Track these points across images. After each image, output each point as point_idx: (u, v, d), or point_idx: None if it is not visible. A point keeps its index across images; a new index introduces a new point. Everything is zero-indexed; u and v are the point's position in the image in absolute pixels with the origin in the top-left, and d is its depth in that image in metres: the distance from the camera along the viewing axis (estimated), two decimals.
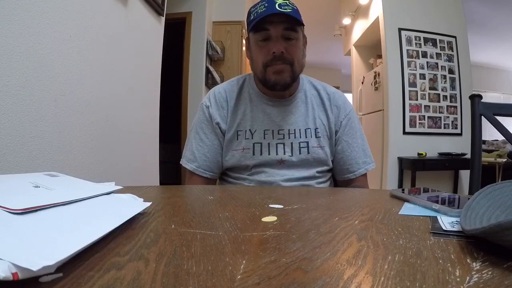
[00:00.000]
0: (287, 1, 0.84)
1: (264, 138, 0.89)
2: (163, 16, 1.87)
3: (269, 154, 0.88)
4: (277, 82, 0.86)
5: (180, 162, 0.95)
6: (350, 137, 0.94)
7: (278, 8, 0.81)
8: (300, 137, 0.90)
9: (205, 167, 0.92)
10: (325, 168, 0.92)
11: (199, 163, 0.91)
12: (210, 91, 0.98)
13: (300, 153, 0.89)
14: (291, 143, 0.89)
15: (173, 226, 0.38)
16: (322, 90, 0.97)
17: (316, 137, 0.91)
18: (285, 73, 0.85)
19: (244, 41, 3.69)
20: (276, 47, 0.83)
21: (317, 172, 0.91)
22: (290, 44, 0.85)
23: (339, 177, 0.96)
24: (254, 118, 0.91)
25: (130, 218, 0.38)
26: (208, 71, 3.30)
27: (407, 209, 0.48)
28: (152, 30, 1.78)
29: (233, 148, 0.90)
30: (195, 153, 0.92)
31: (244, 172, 0.90)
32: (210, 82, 3.31)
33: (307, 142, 0.90)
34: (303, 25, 0.87)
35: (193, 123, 0.97)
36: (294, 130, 0.90)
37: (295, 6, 0.86)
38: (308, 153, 0.89)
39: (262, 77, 0.87)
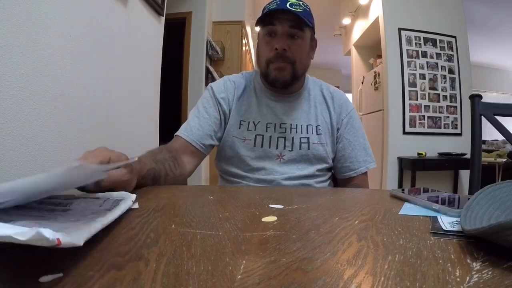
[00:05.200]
0: (300, 1, 0.84)
1: (267, 131, 0.90)
2: (163, 16, 1.86)
3: (269, 147, 0.89)
4: (277, 78, 0.87)
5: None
6: (351, 135, 0.95)
7: (289, 7, 0.82)
8: (302, 133, 0.91)
9: (194, 136, 0.88)
10: (324, 166, 0.93)
11: (192, 131, 0.88)
12: (221, 78, 0.99)
13: (300, 148, 0.90)
14: (292, 138, 0.90)
15: (173, 226, 0.38)
16: (325, 89, 0.99)
17: (317, 134, 0.92)
18: (286, 71, 0.86)
19: (244, 41, 3.69)
20: (279, 44, 0.84)
21: (317, 170, 0.91)
22: (295, 42, 0.86)
23: (340, 175, 0.96)
24: (258, 110, 0.92)
25: (130, 218, 0.39)
26: (208, 71, 3.30)
27: (407, 209, 0.48)
28: (152, 30, 1.78)
29: (234, 134, 0.90)
30: (190, 123, 0.90)
31: (243, 167, 0.90)
32: (210, 82, 3.31)
33: (308, 138, 0.90)
34: (311, 27, 0.87)
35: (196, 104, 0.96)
36: (296, 125, 0.91)
37: (308, 8, 0.86)
38: (308, 149, 0.90)
39: (264, 72, 0.90)
